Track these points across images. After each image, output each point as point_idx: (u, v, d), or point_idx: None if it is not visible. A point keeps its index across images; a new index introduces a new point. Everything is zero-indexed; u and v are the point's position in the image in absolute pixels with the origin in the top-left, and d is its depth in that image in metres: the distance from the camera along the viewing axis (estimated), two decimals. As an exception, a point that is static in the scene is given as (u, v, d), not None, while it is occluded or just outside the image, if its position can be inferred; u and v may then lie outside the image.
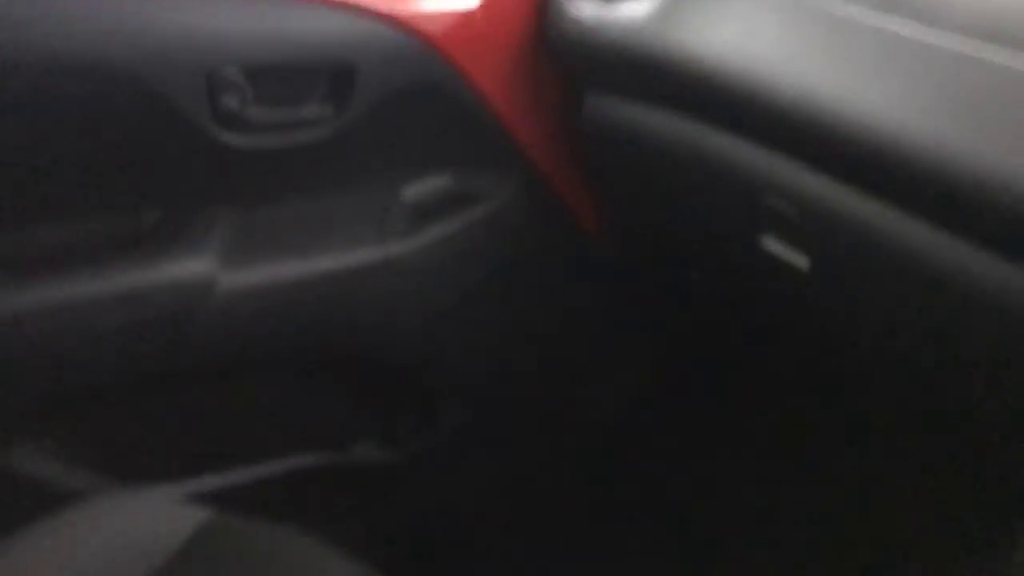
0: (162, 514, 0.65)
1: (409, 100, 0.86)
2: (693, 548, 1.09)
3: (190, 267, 0.80)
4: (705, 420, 1.16)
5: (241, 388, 0.92)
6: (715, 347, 1.12)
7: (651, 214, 0.98)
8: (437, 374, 1.01)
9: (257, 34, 0.75)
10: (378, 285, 0.91)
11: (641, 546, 1.12)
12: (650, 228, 1.02)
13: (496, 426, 1.08)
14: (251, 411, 0.93)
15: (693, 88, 0.77)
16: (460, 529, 1.09)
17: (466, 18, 0.88)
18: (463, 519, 1.10)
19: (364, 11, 0.80)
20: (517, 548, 1.10)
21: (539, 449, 1.15)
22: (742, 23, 0.74)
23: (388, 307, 0.93)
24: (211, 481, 0.92)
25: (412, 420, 1.02)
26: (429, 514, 1.08)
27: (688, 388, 1.17)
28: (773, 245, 0.80)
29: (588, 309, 1.09)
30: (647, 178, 0.92)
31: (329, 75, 0.81)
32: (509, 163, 0.96)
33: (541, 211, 1.00)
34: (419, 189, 0.93)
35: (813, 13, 0.71)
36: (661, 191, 0.92)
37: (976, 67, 0.60)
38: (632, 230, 1.04)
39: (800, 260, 0.78)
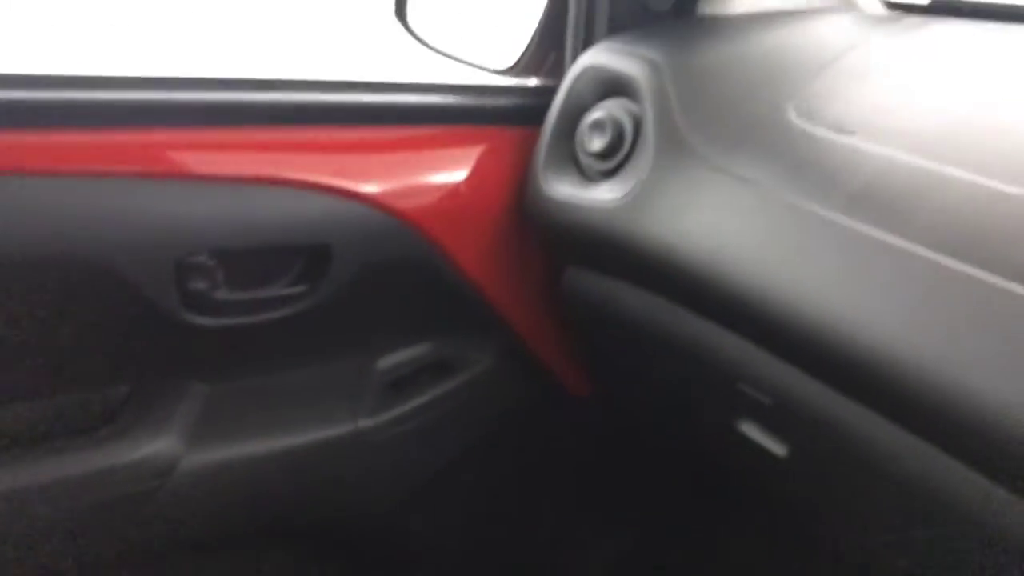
0: None
1: (386, 274, 0.86)
2: None
3: (154, 447, 0.78)
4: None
5: (204, 564, 0.88)
6: (695, 521, 1.08)
7: (632, 385, 0.96)
8: (409, 550, 0.97)
9: (227, 220, 0.76)
10: (349, 460, 0.88)
11: None
12: (633, 397, 0.99)
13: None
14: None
15: (663, 273, 0.76)
16: None
17: (445, 196, 0.89)
18: None
19: (337, 191, 0.81)
20: None
21: None
22: (709, 213, 0.73)
23: (359, 483, 0.90)
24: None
25: None
26: None
27: (666, 560, 1.12)
28: (750, 430, 0.78)
29: (572, 476, 1.06)
30: (626, 351, 0.91)
31: (304, 254, 0.81)
32: (490, 332, 0.95)
33: (524, 378, 0.98)
34: (396, 360, 0.92)
35: (780, 208, 0.70)
36: (640, 365, 0.90)
37: (942, 275, 0.58)
38: (617, 396, 1.02)
39: (777, 447, 0.75)
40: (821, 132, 0.72)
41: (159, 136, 0.74)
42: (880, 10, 0.99)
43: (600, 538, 1.13)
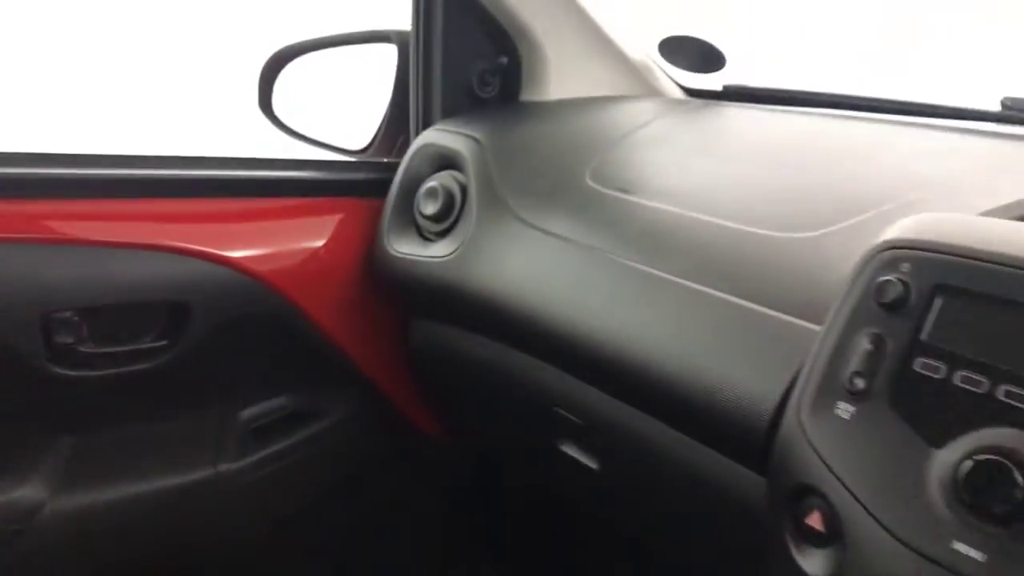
0: None
1: (246, 331, 0.95)
2: None
3: (18, 492, 0.84)
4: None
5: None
6: (550, 551, 1.17)
7: (475, 422, 1.06)
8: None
9: (91, 279, 0.84)
10: (210, 503, 0.95)
11: None
12: (476, 433, 1.10)
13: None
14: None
15: (488, 315, 0.88)
16: None
17: (303, 260, 0.99)
18: None
19: (196, 254, 0.90)
20: None
21: None
22: (522, 262, 0.86)
23: (221, 524, 0.97)
24: None
25: None
26: None
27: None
28: (569, 448, 0.88)
29: (430, 511, 1.14)
30: (467, 392, 1.01)
31: (164, 311, 0.90)
32: (347, 382, 1.05)
33: (381, 423, 1.07)
34: (257, 410, 1.00)
35: (577, 255, 0.83)
36: (479, 402, 1.01)
37: (689, 297, 0.72)
38: (465, 434, 1.12)
39: (591, 462, 0.86)
40: (609, 192, 0.86)
41: (30, 206, 0.82)
42: (679, 95, 1.16)
43: (456, 569, 1.21)
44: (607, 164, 0.91)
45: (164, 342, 0.90)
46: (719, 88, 1.17)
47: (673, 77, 1.17)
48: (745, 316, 0.67)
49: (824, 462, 0.54)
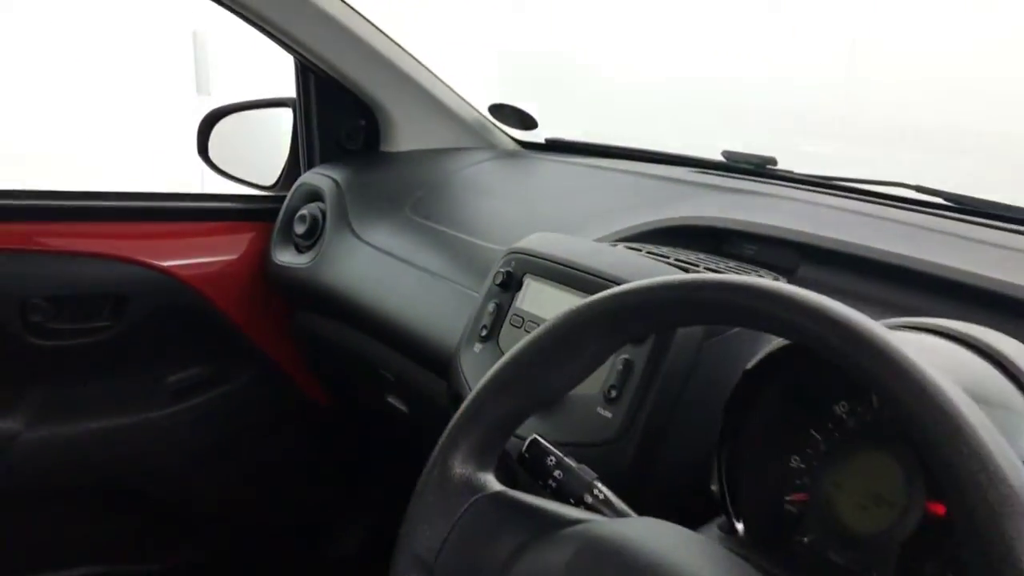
0: None
1: (169, 317, 1.33)
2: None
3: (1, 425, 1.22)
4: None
5: (46, 513, 1.30)
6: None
7: (340, 387, 1.44)
8: (197, 506, 1.40)
9: (57, 277, 1.22)
10: (146, 441, 1.33)
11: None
12: (344, 395, 1.47)
13: (248, 549, 1.46)
14: (54, 529, 1.31)
15: (334, 305, 1.25)
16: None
17: (216, 266, 1.38)
18: None
19: (135, 262, 1.29)
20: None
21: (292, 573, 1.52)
22: (358, 268, 1.23)
23: (154, 457, 1.34)
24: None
25: (184, 538, 1.40)
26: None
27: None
28: (393, 399, 1.25)
29: (320, 461, 1.51)
30: (332, 364, 1.39)
31: (110, 299, 1.28)
32: (248, 357, 1.42)
33: (274, 389, 1.45)
34: (179, 376, 1.37)
35: (393, 263, 1.20)
36: (340, 371, 1.38)
37: (441, 285, 1.08)
38: (339, 400, 1.49)
39: (403, 407, 1.23)
40: (418, 220, 1.24)
41: (13, 226, 1.21)
42: (512, 146, 1.54)
43: (350, 518, 1.57)
44: (422, 200, 1.28)
45: (108, 323, 1.28)
46: (543, 141, 1.55)
47: (508, 132, 1.55)
48: (460, 294, 1.04)
49: (464, 377, 0.91)
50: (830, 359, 0.43)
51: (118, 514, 1.37)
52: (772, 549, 0.58)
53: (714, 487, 0.63)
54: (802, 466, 0.62)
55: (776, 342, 0.59)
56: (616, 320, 0.54)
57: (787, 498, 0.62)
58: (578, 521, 0.53)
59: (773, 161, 1.28)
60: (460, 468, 0.57)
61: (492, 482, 0.57)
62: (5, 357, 1.22)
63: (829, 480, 0.59)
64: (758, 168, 1.26)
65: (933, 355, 0.55)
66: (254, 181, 1.56)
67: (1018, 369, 0.54)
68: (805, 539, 0.60)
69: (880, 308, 0.78)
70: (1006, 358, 0.55)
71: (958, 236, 0.91)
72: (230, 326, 1.39)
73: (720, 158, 1.33)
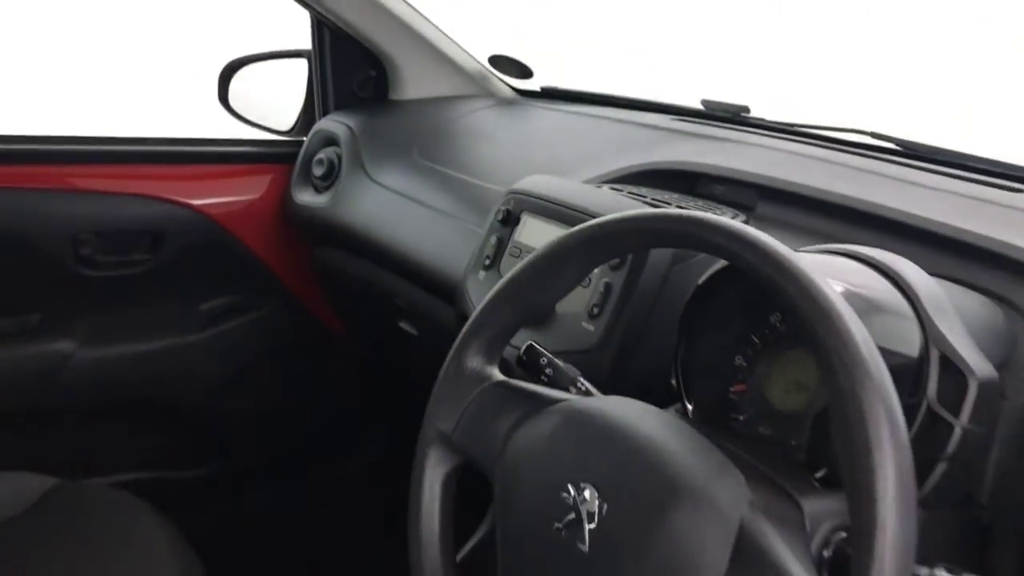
0: (19, 481, 1.17)
1: (199, 252, 1.47)
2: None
3: (55, 346, 1.37)
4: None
5: (97, 425, 1.47)
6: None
7: (356, 316, 1.59)
8: (226, 422, 1.57)
9: (103, 215, 1.36)
10: (182, 362, 1.49)
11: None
12: (360, 325, 1.62)
13: (269, 463, 1.63)
14: (105, 440, 1.48)
15: (351, 240, 1.40)
16: (251, 528, 1.61)
17: (242, 205, 1.52)
18: (254, 521, 1.62)
19: (169, 201, 1.43)
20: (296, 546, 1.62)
21: (315, 481, 1.70)
22: (371, 205, 1.37)
23: (189, 377, 1.50)
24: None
25: (215, 449, 1.57)
26: (232, 516, 1.60)
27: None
28: (404, 324, 1.41)
29: (337, 382, 1.68)
30: (349, 295, 1.54)
31: (148, 235, 1.42)
32: (271, 289, 1.57)
33: (294, 321, 1.60)
34: (211, 304, 1.53)
35: (403, 202, 1.34)
36: (356, 302, 1.54)
37: (453, 224, 1.23)
38: (354, 331, 1.65)
39: (413, 329, 1.38)
40: (424, 163, 1.37)
41: (66, 168, 1.35)
42: (510, 94, 1.66)
43: (370, 433, 1.75)
44: (427, 144, 1.42)
45: (148, 256, 1.42)
46: (538, 89, 1.68)
47: (507, 81, 1.67)
48: (464, 230, 1.18)
49: (470, 300, 1.06)
50: (750, 273, 0.58)
51: (158, 428, 1.54)
52: (715, 424, 0.74)
53: (673, 381, 0.78)
54: (744, 364, 0.77)
55: (720, 263, 0.74)
56: (591, 247, 0.68)
57: (731, 389, 0.77)
58: (563, 400, 0.68)
59: (747, 109, 1.42)
60: (471, 363, 0.72)
61: (496, 374, 0.73)
62: (59, 286, 1.37)
63: (763, 373, 0.75)
64: (733, 116, 1.40)
65: (833, 269, 0.70)
66: (271, 127, 1.69)
67: (908, 285, 0.69)
68: (741, 417, 0.75)
69: (823, 239, 0.93)
70: (900, 276, 0.70)
71: (898, 179, 1.05)
72: (254, 260, 1.53)
73: (699, 106, 1.47)
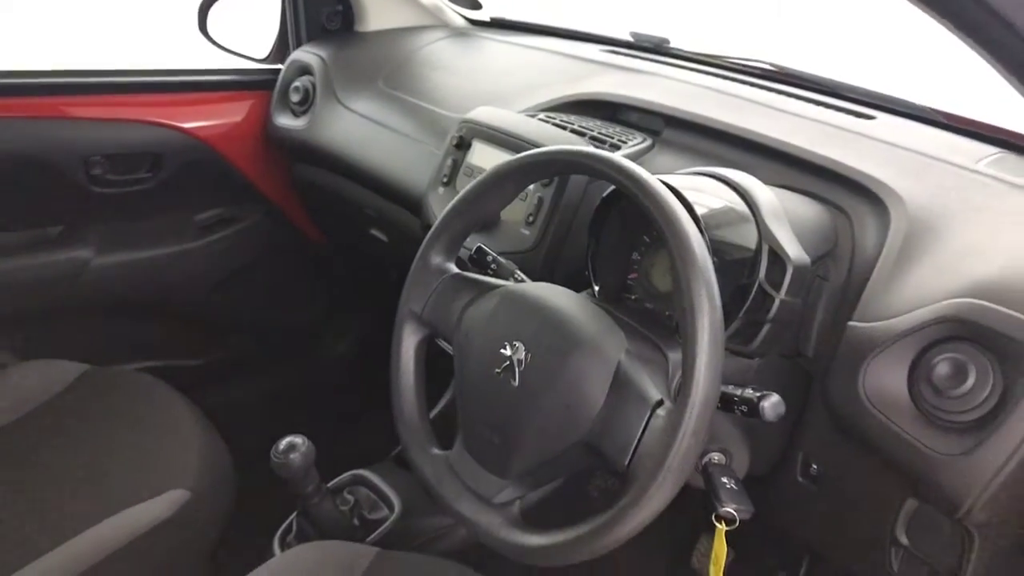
0: (56, 367, 1.41)
1: (193, 170, 1.69)
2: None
3: (75, 253, 1.60)
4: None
5: (112, 321, 1.71)
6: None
7: (332, 226, 1.83)
8: (223, 317, 1.82)
9: (110, 139, 1.56)
10: (182, 266, 1.72)
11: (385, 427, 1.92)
12: (336, 234, 1.87)
13: (262, 351, 1.89)
14: (119, 333, 1.72)
15: (326, 158, 1.62)
16: (252, 407, 1.89)
17: (228, 127, 1.72)
18: (255, 400, 1.90)
19: (165, 125, 1.63)
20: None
21: (300, 368, 1.97)
22: (342, 128, 1.59)
23: (189, 279, 1.74)
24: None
25: (215, 340, 1.83)
26: (232, 398, 1.87)
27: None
28: (375, 231, 1.65)
29: (315, 286, 1.93)
30: (325, 207, 1.77)
31: (149, 157, 1.63)
32: (257, 202, 1.80)
33: (277, 229, 1.83)
34: (205, 215, 1.75)
35: (371, 124, 1.56)
36: (332, 213, 1.77)
37: (416, 146, 1.46)
38: (330, 236, 1.89)
39: (383, 236, 1.63)
40: (387, 90, 1.59)
41: (75, 99, 1.54)
42: (462, 23, 1.86)
43: (348, 322, 2.01)
44: (391, 74, 1.63)
45: (149, 174, 1.64)
46: (488, 19, 1.88)
47: (459, 11, 1.87)
48: (425, 151, 1.42)
49: (431, 211, 1.30)
50: (625, 192, 0.83)
51: (164, 324, 1.78)
52: (615, 303, 1.01)
53: (587, 273, 1.05)
54: (638, 257, 1.03)
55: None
56: (524, 172, 0.93)
57: (629, 276, 1.04)
58: (502, 285, 0.94)
59: (667, 41, 1.64)
60: (434, 260, 0.98)
61: (454, 268, 0.98)
62: (75, 202, 1.58)
63: (649, 264, 1.01)
64: (656, 47, 1.63)
65: (699, 186, 0.96)
66: (247, 55, 1.88)
67: (752, 197, 0.95)
68: (633, 297, 1.02)
69: (711, 159, 1.18)
70: (747, 191, 0.96)
71: (775, 108, 1.29)
72: (240, 176, 1.75)
73: (628, 37, 1.69)
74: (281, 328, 1.94)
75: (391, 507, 1.29)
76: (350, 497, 1.29)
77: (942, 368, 0.84)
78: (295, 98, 1.68)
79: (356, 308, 2.02)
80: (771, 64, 1.49)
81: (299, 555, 1.06)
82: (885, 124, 1.21)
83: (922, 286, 0.90)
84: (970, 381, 0.82)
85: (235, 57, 1.86)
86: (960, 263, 0.90)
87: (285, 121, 1.70)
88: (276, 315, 1.91)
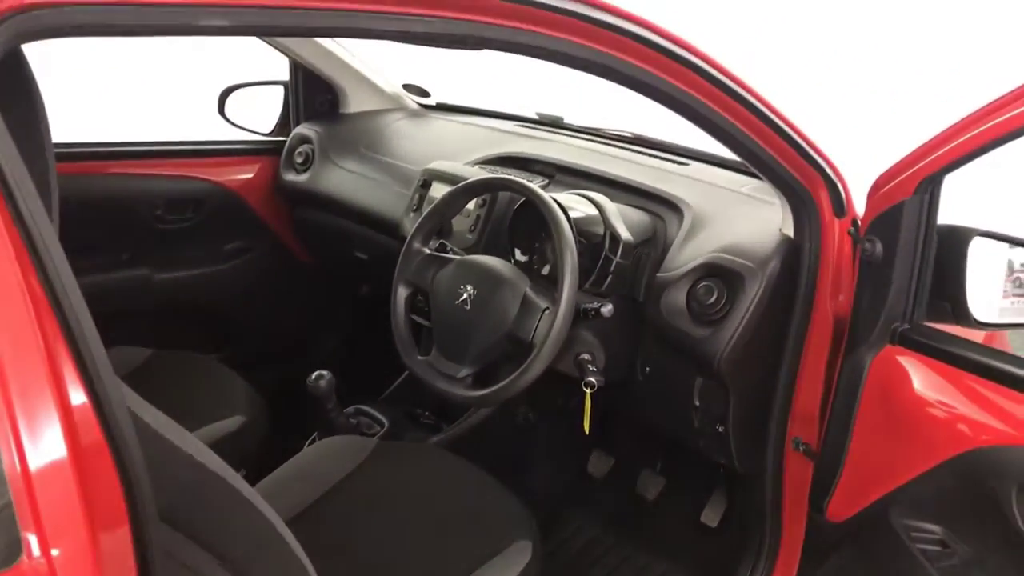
0: (129, 351, 2.00)
1: (223, 212, 2.32)
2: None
3: (140, 272, 2.21)
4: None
5: (169, 321, 2.31)
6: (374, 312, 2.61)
7: (325, 255, 2.48)
8: (243, 319, 2.44)
9: (168, 189, 2.19)
10: (215, 282, 2.34)
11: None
12: (327, 261, 2.51)
13: (268, 347, 2.51)
14: (174, 329, 2.32)
15: (323, 203, 2.28)
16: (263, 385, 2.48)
17: (245, 180, 2.37)
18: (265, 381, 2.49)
19: (205, 180, 2.27)
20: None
21: (299, 358, 2.58)
22: (336, 181, 2.25)
23: (219, 291, 2.36)
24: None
25: (237, 336, 2.45)
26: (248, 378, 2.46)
27: (370, 333, 2.64)
28: (358, 253, 2.30)
29: (309, 297, 2.57)
30: (320, 239, 2.42)
31: (192, 202, 2.26)
32: (266, 235, 2.44)
33: (282, 256, 2.48)
34: (230, 246, 2.38)
35: (356, 177, 2.23)
36: (324, 245, 2.42)
37: (385, 187, 2.13)
38: (325, 264, 2.54)
39: (364, 255, 2.28)
40: (367, 153, 2.27)
41: (144, 162, 2.18)
42: (416, 108, 2.57)
43: (332, 328, 2.64)
44: (369, 142, 2.31)
45: (193, 215, 2.27)
46: (435, 104, 2.59)
47: (414, 99, 2.57)
48: (397, 193, 2.09)
49: (406, 229, 1.97)
50: (533, 203, 1.52)
51: (199, 325, 2.39)
52: (524, 269, 1.68)
53: (511, 257, 1.72)
54: (538, 245, 1.72)
55: (524, 199, 1.69)
56: (466, 194, 1.62)
57: (534, 256, 1.72)
58: (457, 257, 1.61)
59: (562, 118, 2.37)
60: (416, 246, 1.65)
61: (427, 250, 1.65)
62: (142, 234, 2.20)
63: (543, 245, 1.70)
64: (555, 123, 2.35)
65: (572, 201, 1.65)
66: (257, 130, 2.55)
67: (602, 208, 1.65)
68: (534, 265, 1.71)
69: (580, 188, 1.89)
70: (599, 204, 1.66)
71: (626, 160, 2.01)
72: (255, 217, 2.39)
73: (534, 115, 2.42)
74: (284, 328, 2.56)
75: (382, 426, 1.92)
76: (354, 421, 1.93)
77: (702, 291, 1.53)
78: (299, 160, 2.34)
79: (340, 314, 2.66)
80: (629, 132, 2.22)
81: (322, 445, 1.68)
82: (694, 167, 1.94)
83: (695, 250, 1.60)
84: (715, 296, 1.52)
85: (248, 134, 2.53)
86: (714, 238, 1.61)
87: (291, 176, 2.36)
88: (281, 318, 2.53)
